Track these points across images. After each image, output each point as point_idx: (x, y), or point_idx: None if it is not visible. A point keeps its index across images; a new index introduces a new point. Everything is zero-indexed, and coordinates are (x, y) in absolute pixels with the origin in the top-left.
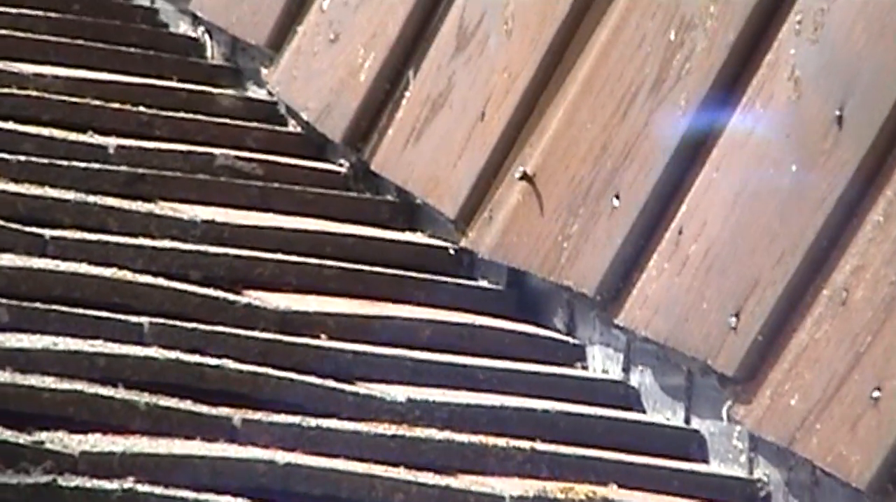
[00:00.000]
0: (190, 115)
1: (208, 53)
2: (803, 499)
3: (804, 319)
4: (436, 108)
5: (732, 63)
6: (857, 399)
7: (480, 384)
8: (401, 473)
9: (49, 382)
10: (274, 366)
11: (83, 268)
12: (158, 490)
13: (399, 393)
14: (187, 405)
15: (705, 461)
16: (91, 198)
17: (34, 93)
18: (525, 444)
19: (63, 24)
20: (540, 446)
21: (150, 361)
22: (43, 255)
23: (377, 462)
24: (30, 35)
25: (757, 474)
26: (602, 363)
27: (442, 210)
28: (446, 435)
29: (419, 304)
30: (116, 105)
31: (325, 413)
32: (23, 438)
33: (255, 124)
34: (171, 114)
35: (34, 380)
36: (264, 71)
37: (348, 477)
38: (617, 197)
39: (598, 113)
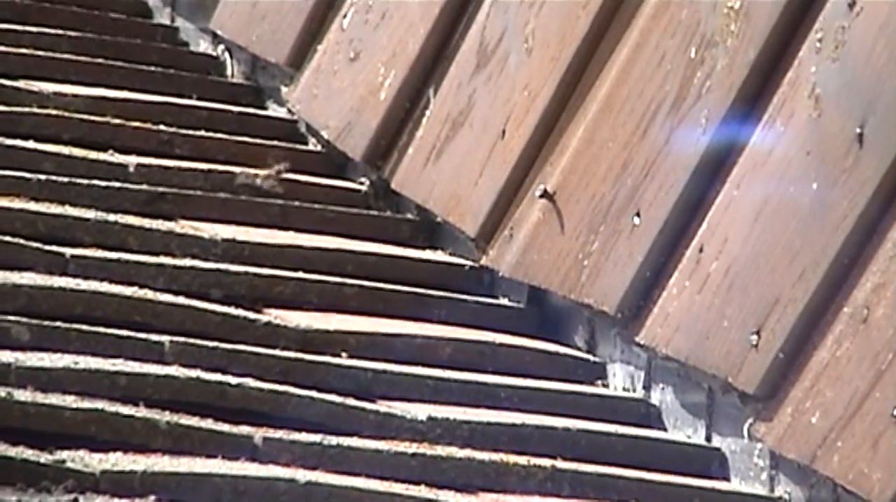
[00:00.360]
0: (210, 134)
1: (228, 72)
2: None
3: (825, 337)
4: (456, 127)
5: (753, 81)
6: (879, 416)
7: (501, 402)
8: (422, 491)
9: (70, 401)
10: (295, 385)
11: (104, 286)
12: None
13: (420, 411)
14: (208, 423)
15: (726, 479)
16: (111, 217)
17: (54, 112)
18: (546, 462)
19: (83, 42)
20: (561, 464)
21: (171, 380)
22: (63, 274)
23: (398, 480)
24: (50, 54)
25: (778, 492)
26: (623, 381)
27: (462, 228)
28: (467, 453)
29: (440, 322)
30: (137, 124)
31: (346, 431)
32: (44, 457)
33: (275, 143)
34: (191, 132)
35: (55, 399)
36: (284, 89)
37: (369, 496)
38: (637, 215)
39: (619, 131)
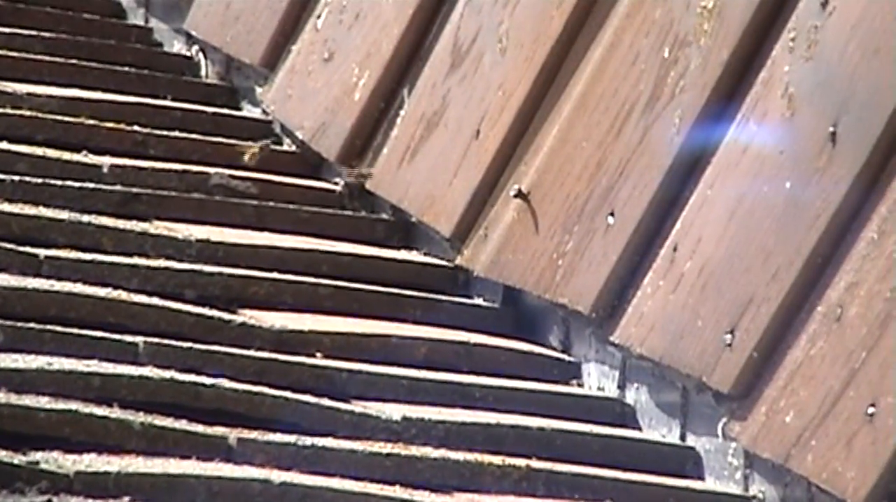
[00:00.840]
0: (185, 135)
1: (203, 72)
2: None
3: (799, 336)
4: (431, 127)
5: (726, 80)
6: (853, 415)
7: (476, 402)
8: (397, 492)
9: (44, 402)
10: (269, 385)
11: (78, 287)
12: None
13: (395, 411)
14: (183, 424)
15: (701, 478)
16: (86, 218)
17: (28, 112)
18: (521, 462)
19: (57, 43)
20: (536, 464)
21: (146, 381)
22: (38, 275)
23: (373, 480)
24: (24, 55)
25: (752, 491)
26: (598, 380)
27: (437, 228)
28: (442, 453)
29: (415, 323)
30: (111, 124)
31: (321, 432)
32: (18, 459)
33: (250, 143)
34: (165, 133)
35: (29, 401)
36: (259, 90)
37: (344, 497)
38: (612, 214)
39: (593, 130)
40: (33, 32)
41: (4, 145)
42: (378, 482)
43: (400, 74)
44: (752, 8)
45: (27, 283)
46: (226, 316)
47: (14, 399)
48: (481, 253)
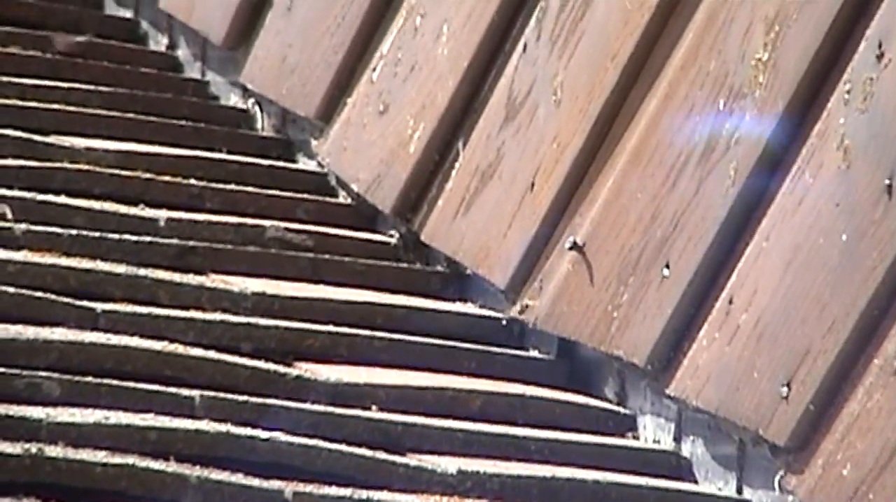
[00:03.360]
0: (240, 187)
1: (258, 125)
2: None
3: (856, 388)
4: (485, 179)
5: (782, 132)
6: None
7: (532, 455)
8: None
9: (101, 456)
10: (325, 439)
11: (134, 341)
12: None
13: (450, 464)
14: (239, 478)
15: None
16: (142, 272)
17: (86, 166)
18: None
19: (114, 97)
20: None
21: (202, 434)
22: (94, 329)
23: None
24: (81, 109)
25: None
26: (653, 433)
27: (492, 280)
28: None
29: (470, 375)
30: (167, 178)
31: (377, 485)
32: None
33: (305, 196)
34: (221, 186)
35: (86, 455)
36: (314, 142)
37: None
38: (667, 266)
39: (648, 182)
40: (91, 87)
41: (62, 199)
42: None
43: (454, 126)
44: (806, 60)
45: (84, 337)
46: (281, 369)
47: (71, 453)
48: (536, 305)
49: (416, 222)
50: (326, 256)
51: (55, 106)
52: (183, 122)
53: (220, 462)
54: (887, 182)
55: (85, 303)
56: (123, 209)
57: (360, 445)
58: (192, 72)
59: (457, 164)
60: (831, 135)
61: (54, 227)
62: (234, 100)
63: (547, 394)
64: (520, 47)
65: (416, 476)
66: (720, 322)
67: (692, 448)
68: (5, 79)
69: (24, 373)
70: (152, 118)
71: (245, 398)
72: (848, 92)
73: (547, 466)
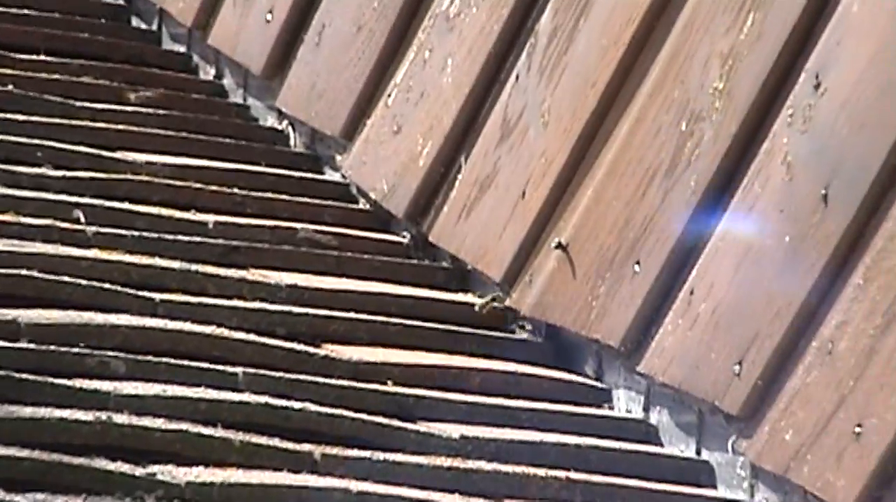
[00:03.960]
0: (276, 196)
1: (291, 143)
2: None
3: (797, 367)
4: (484, 188)
5: (735, 150)
6: (842, 434)
7: (523, 423)
8: (456, 500)
9: (159, 423)
10: (348, 409)
11: (187, 326)
12: None
13: (454, 431)
14: (275, 442)
15: (714, 487)
16: (193, 267)
17: (146, 178)
18: (561, 474)
19: (169, 119)
20: (574, 476)
21: (244, 405)
22: (153, 316)
23: (436, 489)
24: (142, 129)
25: (758, 498)
26: (626, 404)
27: (490, 274)
28: (494, 466)
29: (470, 355)
30: (214, 188)
31: (392, 448)
32: (138, 471)
33: (330, 202)
34: (260, 194)
35: (147, 422)
36: (339, 157)
37: None
38: (638, 263)
39: (622, 192)
40: (150, 110)
41: (126, 205)
42: (440, 491)
43: (458, 144)
44: (755, 89)
45: (145, 323)
46: (311, 349)
47: (135, 420)
48: (527, 295)
49: (425, 225)
50: (348, 254)
51: (120, 126)
52: (227, 140)
53: (260, 428)
54: (823, 192)
55: (145, 293)
56: (177, 214)
57: (377, 414)
58: (236, 97)
59: (459, 176)
60: (776, 152)
61: (119, 230)
62: (270, 121)
63: (536, 372)
64: (513, 77)
65: (425, 441)
66: (683, 310)
67: (659, 417)
68: (79, 103)
69: (95, 352)
70: (201, 137)
71: (280, 374)
72: (791, 115)
73: (536, 433)
